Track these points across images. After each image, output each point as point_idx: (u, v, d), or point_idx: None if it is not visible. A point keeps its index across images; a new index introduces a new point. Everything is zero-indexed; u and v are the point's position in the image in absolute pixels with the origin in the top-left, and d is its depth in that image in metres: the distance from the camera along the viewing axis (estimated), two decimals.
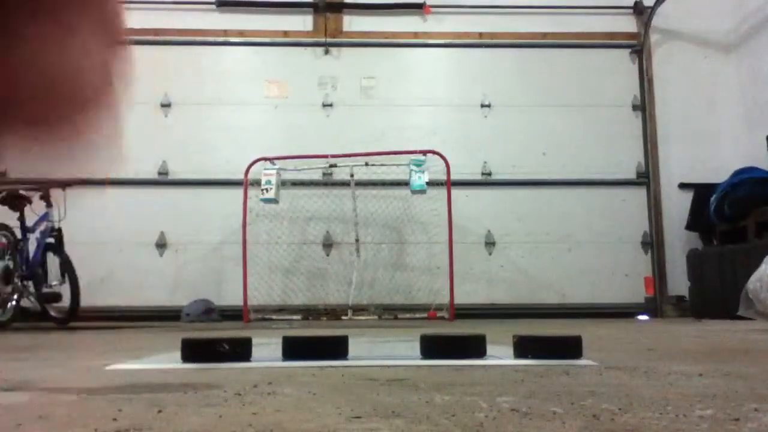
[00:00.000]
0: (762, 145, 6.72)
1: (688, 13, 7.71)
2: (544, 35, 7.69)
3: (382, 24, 7.70)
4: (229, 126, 7.42)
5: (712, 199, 6.73)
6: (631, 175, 7.50)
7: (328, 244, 7.20)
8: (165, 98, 7.44)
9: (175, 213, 7.24)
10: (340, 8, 7.71)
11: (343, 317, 6.28)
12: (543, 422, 0.91)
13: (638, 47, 7.69)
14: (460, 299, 6.44)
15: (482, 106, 7.57)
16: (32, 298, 5.57)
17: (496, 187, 7.41)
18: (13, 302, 5.25)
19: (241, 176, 6.62)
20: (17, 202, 5.58)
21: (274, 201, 6.41)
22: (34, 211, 5.70)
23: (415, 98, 7.55)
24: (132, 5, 7.60)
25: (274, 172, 6.36)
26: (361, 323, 5.75)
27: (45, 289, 5.61)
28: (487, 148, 7.47)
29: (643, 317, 7.01)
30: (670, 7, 7.57)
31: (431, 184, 6.30)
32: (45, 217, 5.78)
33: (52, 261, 5.80)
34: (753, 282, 3.88)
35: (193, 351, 1.97)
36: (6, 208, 5.61)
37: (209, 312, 6.72)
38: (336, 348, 2.02)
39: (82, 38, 0.69)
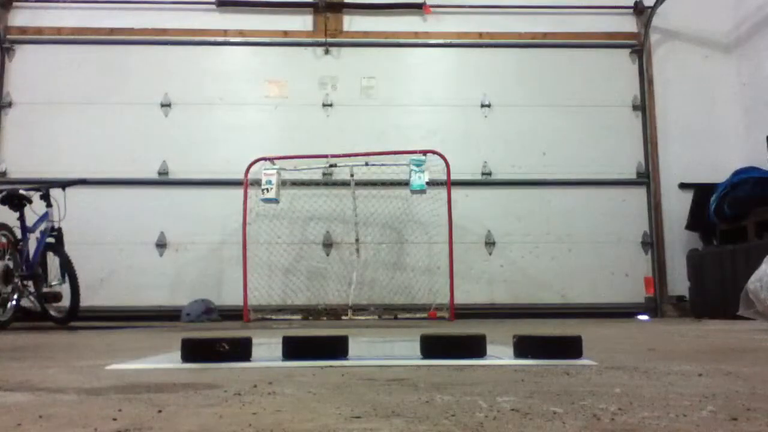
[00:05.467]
0: (762, 145, 6.72)
1: (688, 13, 7.72)
2: (544, 35, 7.70)
3: (382, 24, 7.70)
4: (229, 126, 7.42)
5: (712, 199, 6.73)
6: (631, 175, 7.50)
7: (328, 244, 7.20)
8: (165, 98, 7.44)
9: (175, 213, 7.24)
10: (340, 8, 7.71)
11: (343, 317, 6.29)
12: (543, 422, 0.91)
13: (638, 47, 7.69)
14: (460, 299, 6.45)
15: (482, 106, 7.57)
16: (32, 298, 5.57)
17: (496, 187, 7.41)
18: (13, 302, 5.25)
19: (241, 176, 6.62)
20: (17, 202, 5.58)
21: (275, 201, 6.41)
22: (34, 211, 5.70)
23: (415, 98, 7.55)
24: (132, 5, 7.61)
25: (275, 172, 6.36)
26: (361, 323, 5.75)
27: (45, 289, 5.61)
28: (487, 148, 7.47)
29: (643, 317, 7.01)
30: (670, 7, 7.57)
31: (431, 184, 6.30)
32: (45, 217, 5.77)
33: (52, 261, 5.80)
34: (753, 282, 3.88)
35: (193, 351, 1.97)
36: (6, 208, 5.61)
37: (209, 312, 6.72)
38: (336, 348, 2.02)
39: None
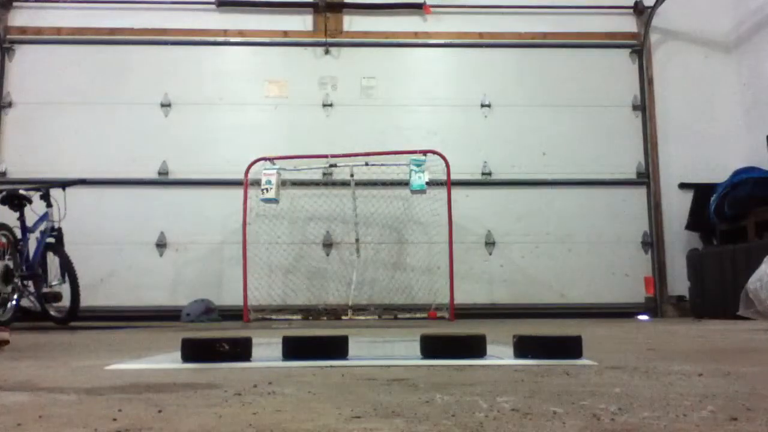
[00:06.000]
0: (762, 145, 6.72)
1: (688, 13, 7.71)
2: (544, 35, 7.69)
3: (382, 24, 7.70)
4: (229, 126, 7.42)
5: (712, 199, 6.73)
6: (631, 175, 7.50)
7: (328, 244, 7.20)
8: (165, 98, 7.44)
9: (175, 213, 7.24)
10: (340, 8, 7.71)
11: (343, 317, 6.28)
12: (543, 422, 0.91)
13: (638, 47, 7.69)
14: (460, 299, 6.44)
15: (482, 106, 7.57)
16: (32, 298, 5.57)
17: (496, 187, 7.41)
18: (13, 302, 5.25)
19: (241, 176, 6.62)
20: (17, 202, 5.58)
21: (275, 201, 6.41)
22: (34, 211, 5.70)
23: (415, 98, 7.55)
24: (132, 5, 7.61)
25: (274, 172, 6.36)
26: (361, 323, 5.75)
27: (45, 289, 5.62)
28: (487, 148, 7.47)
29: (643, 317, 7.01)
30: (670, 7, 7.57)
31: (431, 184, 6.30)
32: (45, 217, 5.77)
33: (52, 261, 5.80)
34: (753, 282, 3.88)
35: (193, 351, 1.97)
36: (6, 208, 5.61)
37: (209, 312, 6.72)
38: (336, 348, 2.02)
39: None
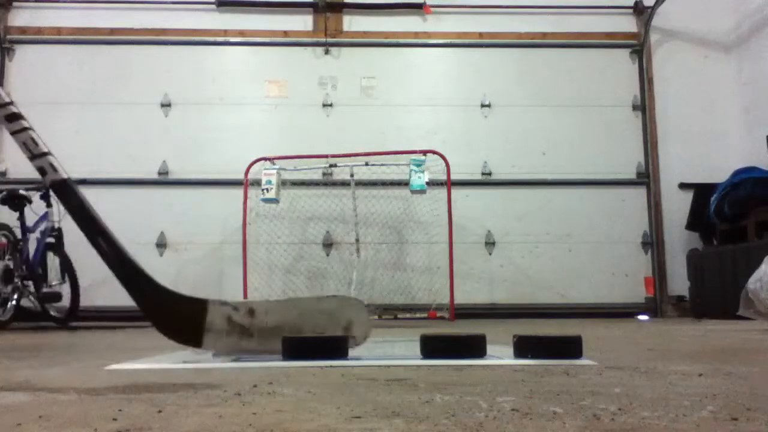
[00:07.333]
0: (762, 145, 6.72)
1: (688, 13, 7.71)
2: (544, 35, 7.69)
3: (382, 24, 7.70)
4: (229, 126, 7.42)
5: (712, 199, 6.73)
6: (631, 175, 7.50)
7: (328, 244, 7.20)
8: (165, 98, 7.44)
9: (175, 213, 7.24)
10: (340, 8, 7.71)
11: None
12: (543, 422, 0.91)
13: (638, 47, 7.69)
14: (460, 299, 6.44)
15: (482, 106, 7.57)
16: (32, 298, 5.57)
17: (496, 187, 7.41)
18: (13, 302, 5.25)
19: (241, 176, 6.62)
20: (17, 202, 5.58)
21: (275, 201, 6.41)
22: (34, 211, 5.70)
23: (415, 98, 7.55)
24: (132, 5, 7.61)
25: (274, 172, 6.36)
26: None
27: (45, 289, 5.61)
28: (487, 148, 7.47)
29: (643, 317, 7.01)
30: (670, 7, 7.57)
31: (431, 184, 6.30)
32: (45, 217, 5.77)
33: (52, 261, 5.79)
34: (753, 282, 3.88)
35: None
36: (6, 208, 5.61)
37: None
38: (336, 348, 2.02)
39: None
